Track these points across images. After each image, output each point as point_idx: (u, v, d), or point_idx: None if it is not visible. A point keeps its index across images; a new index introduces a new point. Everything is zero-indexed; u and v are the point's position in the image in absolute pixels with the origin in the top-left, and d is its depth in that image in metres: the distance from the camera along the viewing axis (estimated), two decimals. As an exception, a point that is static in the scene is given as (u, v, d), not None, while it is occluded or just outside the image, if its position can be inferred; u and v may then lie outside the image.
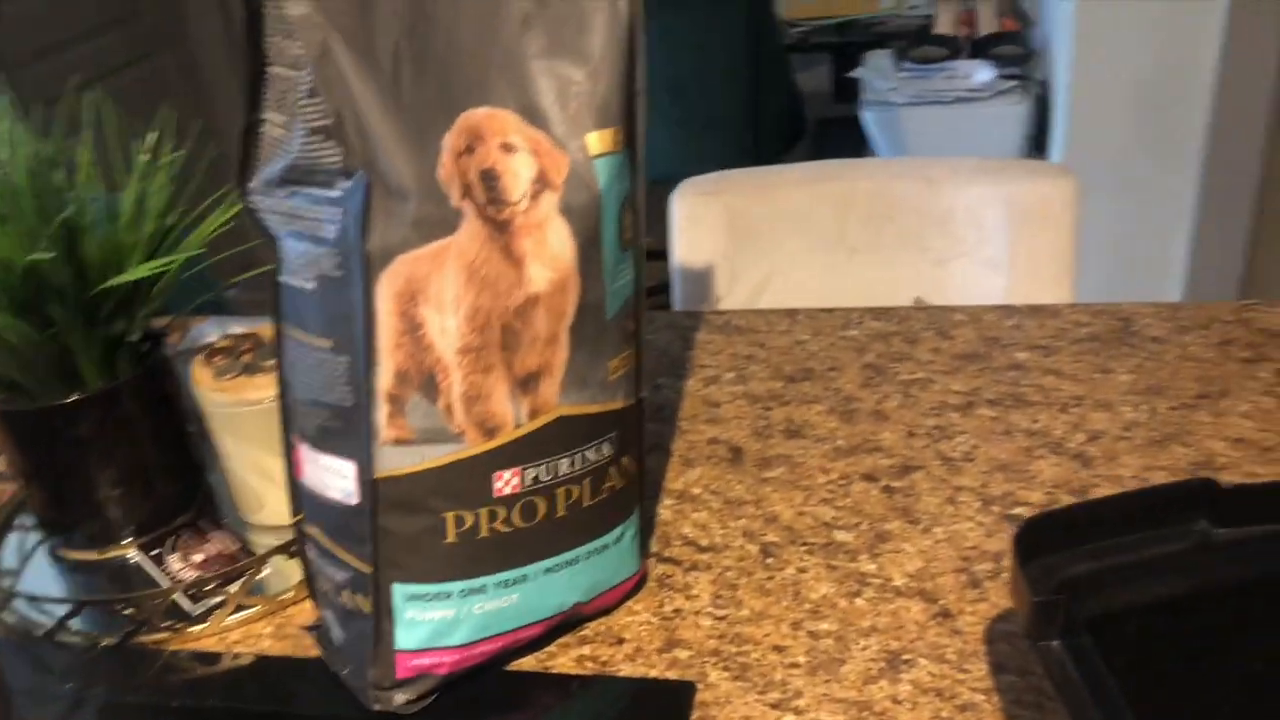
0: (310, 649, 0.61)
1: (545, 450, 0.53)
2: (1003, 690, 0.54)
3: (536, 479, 0.53)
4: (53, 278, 0.63)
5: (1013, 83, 2.23)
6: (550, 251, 0.52)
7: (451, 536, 0.52)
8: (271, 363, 0.68)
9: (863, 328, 0.90)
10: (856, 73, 2.44)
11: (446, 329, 0.50)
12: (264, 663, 0.60)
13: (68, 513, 0.69)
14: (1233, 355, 0.81)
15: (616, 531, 0.59)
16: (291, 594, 0.64)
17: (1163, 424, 0.74)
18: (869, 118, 2.32)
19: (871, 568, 0.63)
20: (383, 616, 0.53)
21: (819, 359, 0.86)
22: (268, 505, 0.69)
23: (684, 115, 2.30)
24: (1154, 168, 1.80)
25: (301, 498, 0.57)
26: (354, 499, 0.52)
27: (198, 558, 0.68)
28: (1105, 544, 0.45)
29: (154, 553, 0.69)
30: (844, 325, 0.91)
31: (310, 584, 0.60)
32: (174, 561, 0.68)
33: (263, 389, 0.65)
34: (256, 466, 0.68)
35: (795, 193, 1.15)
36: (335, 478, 0.53)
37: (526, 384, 0.52)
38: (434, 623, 0.53)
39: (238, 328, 1.00)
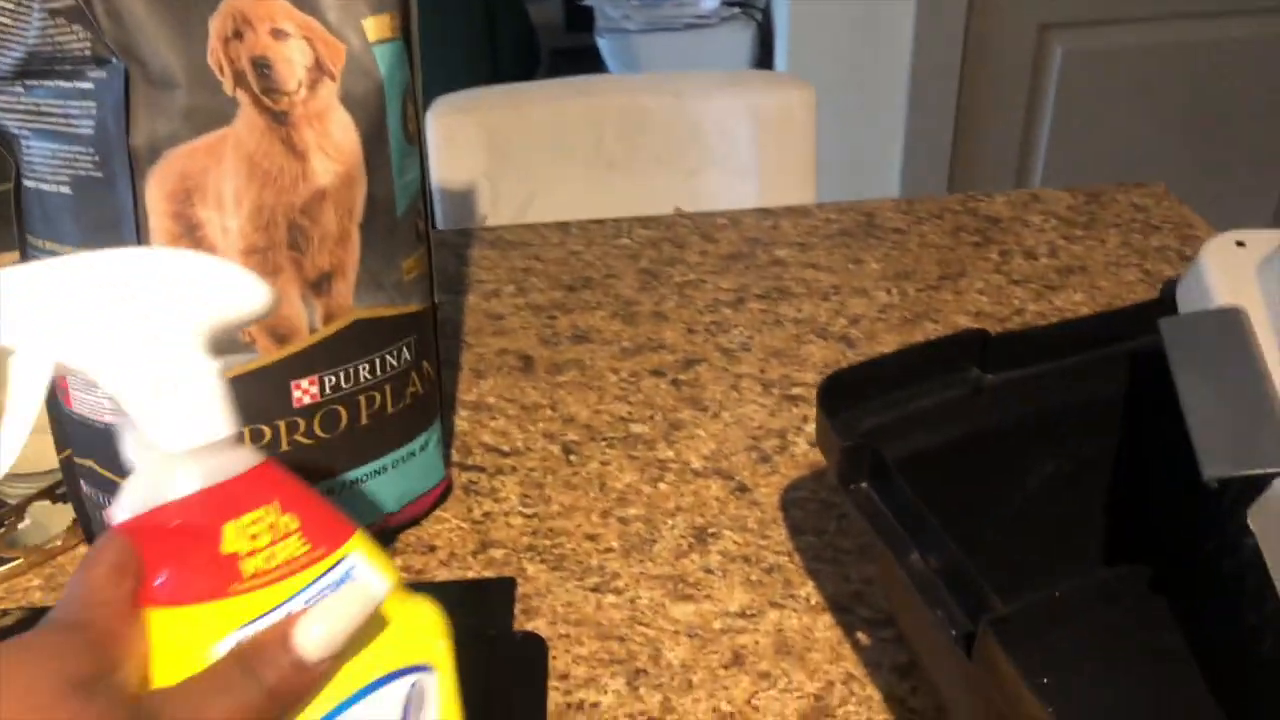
0: (91, 594, 0.56)
1: (343, 356, 0.51)
2: (802, 550, 0.57)
3: (336, 386, 0.51)
4: None
5: (736, 9, 2.31)
6: (334, 143, 0.49)
7: (250, 452, 0.49)
8: None
9: (633, 236, 0.92)
10: (590, 0, 2.45)
11: (228, 229, 0.47)
12: (40, 615, 0.55)
13: None
14: (964, 240, 0.89)
15: (421, 439, 0.57)
16: (59, 542, 0.59)
17: (912, 304, 0.80)
18: (604, 45, 2.33)
19: (669, 454, 0.65)
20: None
21: (595, 268, 0.87)
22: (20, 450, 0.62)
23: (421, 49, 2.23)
24: (866, 81, 1.93)
25: (70, 430, 0.52)
26: (135, 421, 0.48)
27: (-63, 517, 0.60)
28: (896, 395, 0.48)
29: (-120, 517, 0.61)
30: (615, 235, 0.92)
31: (86, 524, 0.55)
32: (-93, 524, 0.60)
33: None
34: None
35: (550, 109, 1.15)
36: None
37: (319, 286, 0.50)
38: (236, 545, 0.50)
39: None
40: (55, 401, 0.52)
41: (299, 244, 0.48)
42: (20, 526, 0.59)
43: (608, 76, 1.18)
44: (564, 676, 0.50)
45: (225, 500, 0.29)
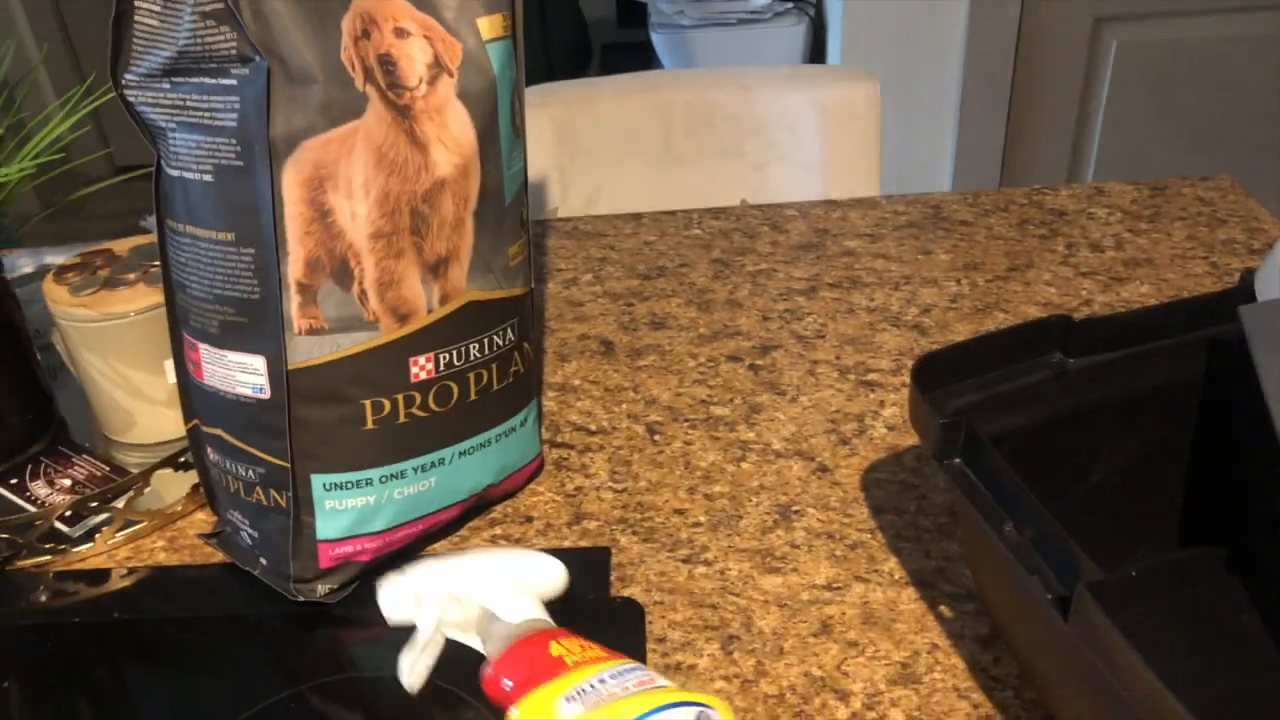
0: (212, 556, 0.60)
1: (457, 335, 0.54)
2: (884, 528, 0.60)
3: (450, 363, 0.54)
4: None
5: (789, 4, 2.32)
6: (452, 135, 0.52)
7: (370, 424, 0.53)
8: (133, 276, 0.65)
9: (704, 226, 0.95)
10: (643, -4, 2.47)
11: (357, 214, 0.50)
12: (163, 573, 0.59)
13: (-95, 450, 0.64)
14: (1030, 233, 0.91)
15: (522, 414, 0.60)
16: (179, 507, 0.63)
17: (982, 295, 0.82)
18: (658, 41, 2.36)
19: (751, 435, 0.68)
20: (301, 509, 0.53)
21: (669, 257, 0.90)
22: (139, 423, 0.66)
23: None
24: (920, 76, 1.94)
25: (199, 401, 0.56)
26: (266, 393, 0.52)
27: (65, 483, 0.65)
28: (983, 377, 0.51)
29: (12, 482, 0.65)
30: (686, 225, 0.95)
31: (209, 491, 0.59)
32: (39, 488, 0.64)
33: (129, 302, 0.62)
34: (127, 384, 0.65)
35: (618, 104, 1.17)
36: (244, 374, 0.52)
37: (436, 269, 0.53)
38: (355, 510, 0.54)
39: (54, 257, 0.93)
40: (185, 373, 0.56)
41: (420, 230, 0.51)
42: (145, 493, 0.63)
43: (675, 71, 1.21)
44: (661, 640, 0.53)
45: (545, 636, 0.48)
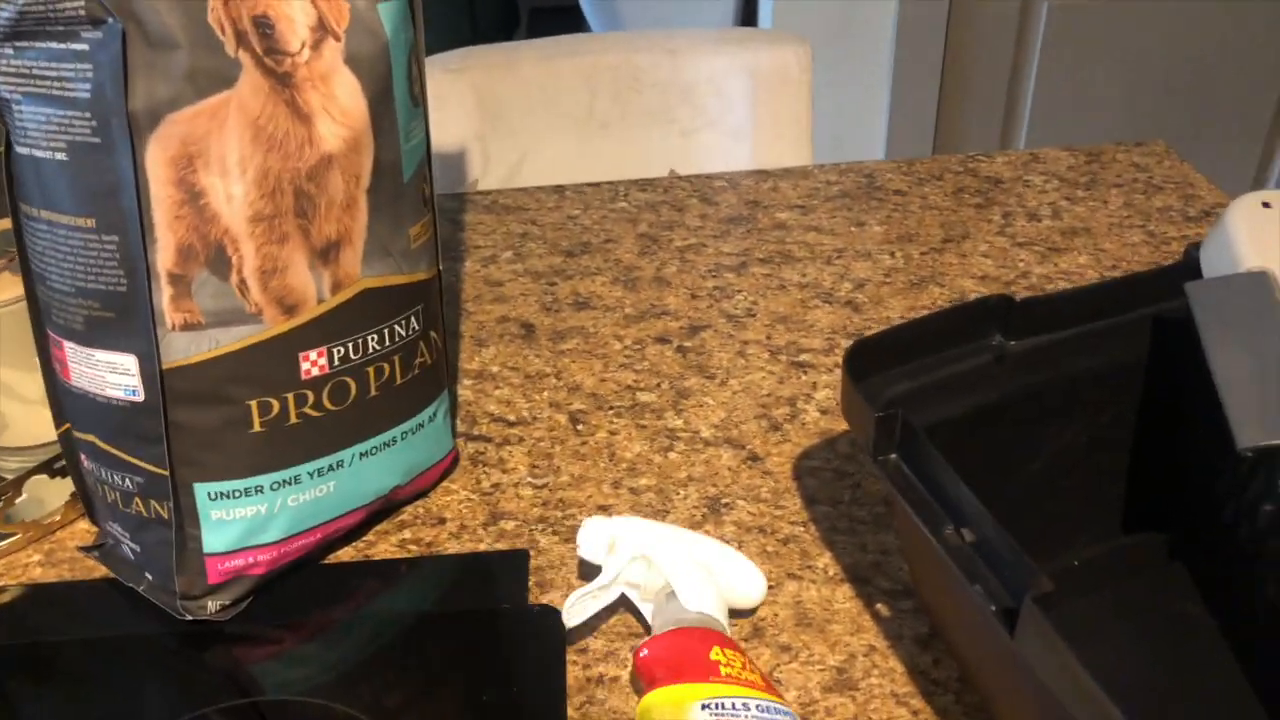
0: (94, 570, 0.54)
1: (352, 326, 0.50)
2: (818, 520, 0.57)
3: (345, 357, 0.50)
4: None
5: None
6: (340, 106, 0.47)
7: (257, 426, 0.48)
8: (5, 261, 0.59)
9: (630, 199, 0.91)
10: (570, -43, 2.40)
11: (233, 196, 0.45)
12: (40, 591, 0.54)
13: None
14: (966, 202, 0.88)
15: (430, 409, 0.56)
16: (58, 517, 0.57)
17: (917, 268, 0.79)
18: (586, 4, 2.29)
19: (679, 423, 0.64)
20: (185, 520, 0.48)
21: (594, 232, 0.86)
22: (12, 425, 0.61)
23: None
24: (852, 39, 1.91)
25: (69, 404, 0.50)
26: (139, 395, 0.47)
27: (-71, 493, 0.59)
28: (920, 362, 0.47)
29: None
30: (612, 198, 0.91)
31: (86, 500, 0.54)
32: (-102, 501, 0.59)
33: (-7, 292, 0.57)
34: (-6, 382, 0.59)
35: (541, 69, 1.12)
36: (114, 374, 0.47)
37: (326, 254, 0.48)
38: (244, 521, 0.49)
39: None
40: (52, 373, 0.51)
41: (305, 211, 0.47)
42: (18, 501, 0.58)
43: (600, 35, 1.16)
44: (583, 650, 0.50)
45: (713, 637, 0.45)
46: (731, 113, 1.13)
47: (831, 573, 0.53)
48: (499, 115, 1.12)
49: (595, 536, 0.51)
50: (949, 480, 0.40)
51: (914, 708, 0.46)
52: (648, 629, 0.49)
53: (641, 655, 0.45)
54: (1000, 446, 0.49)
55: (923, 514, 0.40)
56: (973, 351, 0.49)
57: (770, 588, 0.52)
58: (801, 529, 0.56)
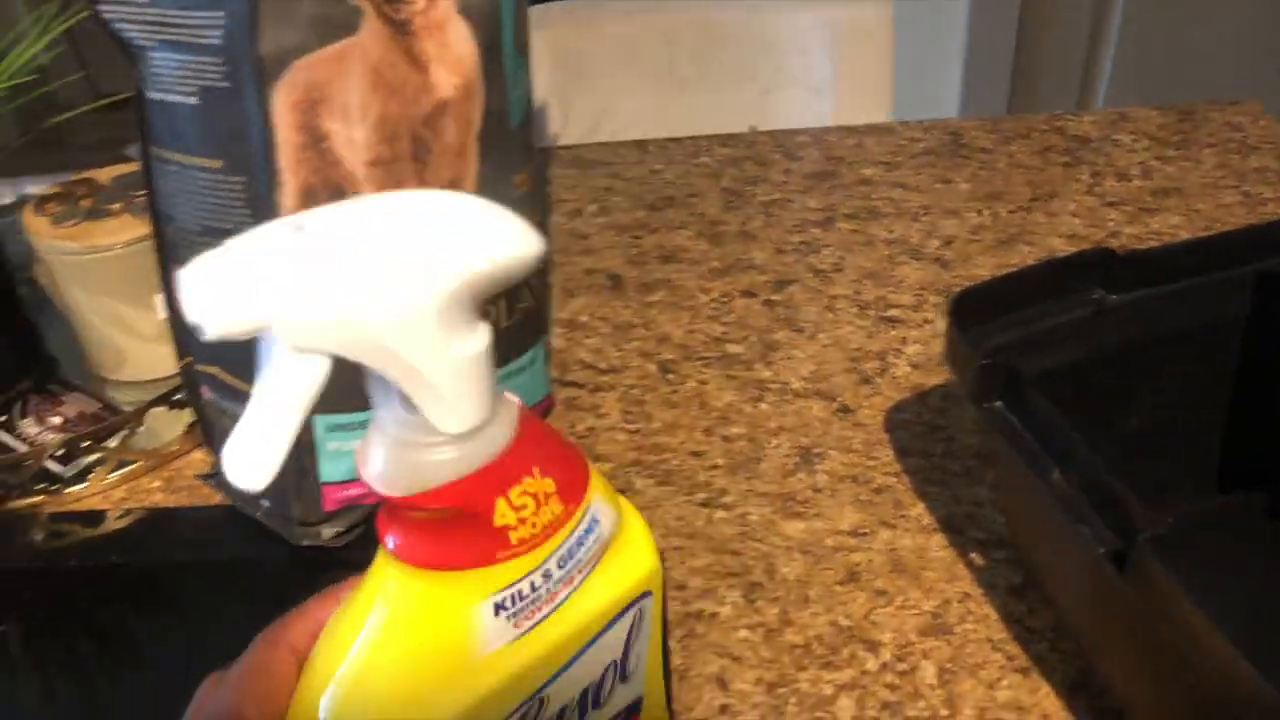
0: (210, 497, 0.57)
1: (462, 270, 0.51)
2: (910, 472, 0.58)
3: (455, 300, 0.51)
4: None
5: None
6: (454, 54, 0.48)
7: (372, 365, 0.50)
8: (118, 206, 0.61)
9: (713, 154, 0.91)
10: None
11: (354, 140, 0.46)
12: (161, 515, 0.56)
13: (-116, 390, 0.61)
14: (1053, 161, 0.87)
15: (530, 354, 0.57)
16: (175, 447, 0.60)
17: (1005, 226, 0.79)
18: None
19: (768, 374, 0.65)
20: (303, 451, 0.51)
21: (677, 186, 0.86)
22: (130, 360, 0.64)
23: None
24: None
25: (192, 338, 0.53)
26: (262, 333, 0.49)
27: (56, 420, 0.62)
28: (1021, 313, 0.48)
29: (1, 419, 0.62)
30: (694, 153, 0.91)
31: (206, 431, 0.56)
32: (28, 427, 0.62)
33: (114, 234, 0.59)
34: (116, 319, 0.62)
35: (622, 25, 1.13)
36: (238, 312, 0.49)
37: (441, 200, 0.49)
38: (359, 456, 0.51)
39: (34, 187, 0.90)
40: (177, 310, 0.53)
41: (421, 156, 0.48)
42: (139, 431, 0.60)
43: (680, -9, 1.16)
44: (681, 587, 0.51)
45: (499, 476, 0.28)
46: (812, 70, 1.12)
47: (925, 522, 0.54)
48: (579, 72, 1.13)
49: (219, 289, 0.24)
50: (1056, 425, 0.40)
51: (1009, 653, 0.47)
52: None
53: (390, 545, 0.28)
54: (1098, 401, 0.49)
55: (1028, 458, 0.40)
56: (1073, 304, 0.49)
57: (863, 534, 0.53)
58: (894, 480, 0.57)
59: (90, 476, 0.59)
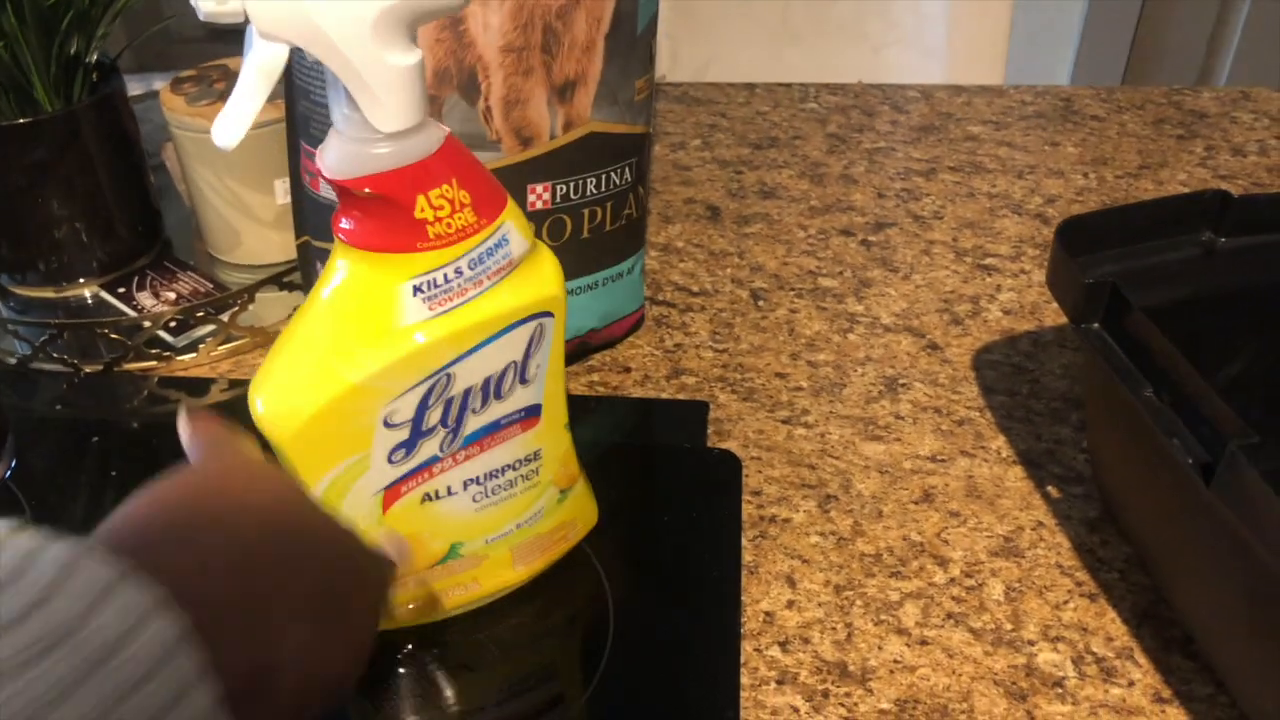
0: (317, 374, 0.60)
1: (576, 166, 0.53)
2: (993, 408, 0.58)
3: (566, 195, 0.53)
4: (9, -23, 0.57)
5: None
6: (588, -46, 0.50)
7: (482, 249, 0.52)
8: (250, 89, 0.64)
9: (821, 100, 0.91)
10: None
11: (490, 24, 0.48)
12: (269, 387, 0.59)
13: (21, 248, 0.65)
14: (1166, 133, 0.86)
15: (629, 261, 0.59)
16: (282, 326, 0.63)
17: (1111, 190, 0.78)
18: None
19: (859, 308, 0.66)
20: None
21: (782, 129, 0.87)
22: (245, 242, 0.67)
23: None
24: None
25: (312, 214, 0.55)
26: (382, 208, 0.51)
27: (170, 295, 0.65)
28: (1130, 248, 0.48)
29: (120, 291, 0.66)
30: (802, 99, 0.92)
31: (318, 307, 0.59)
32: (144, 299, 0.65)
33: (246, 114, 0.62)
34: (236, 201, 0.65)
35: (737, -26, 1.13)
36: (362, 186, 0.51)
37: (563, 93, 0.51)
38: (461, 337, 0.53)
39: (161, 82, 0.93)
40: (300, 186, 0.55)
41: (550, 48, 0.50)
42: (250, 309, 0.63)
43: (800, -57, 1.16)
44: (757, 493, 0.52)
45: (420, 176, 0.35)
46: (926, 30, 1.11)
47: (1004, 455, 0.55)
48: (690, 17, 1.13)
49: None
50: (1154, 347, 0.40)
51: (1078, 579, 0.48)
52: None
53: (341, 229, 0.36)
54: (1199, 343, 0.49)
55: (1123, 375, 0.41)
56: (1183, 244, 0.49)
57: (941, 460, 0.54)
58: (977, 414, 0.57)
59: (200, 347, 0.62)
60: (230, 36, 0.57)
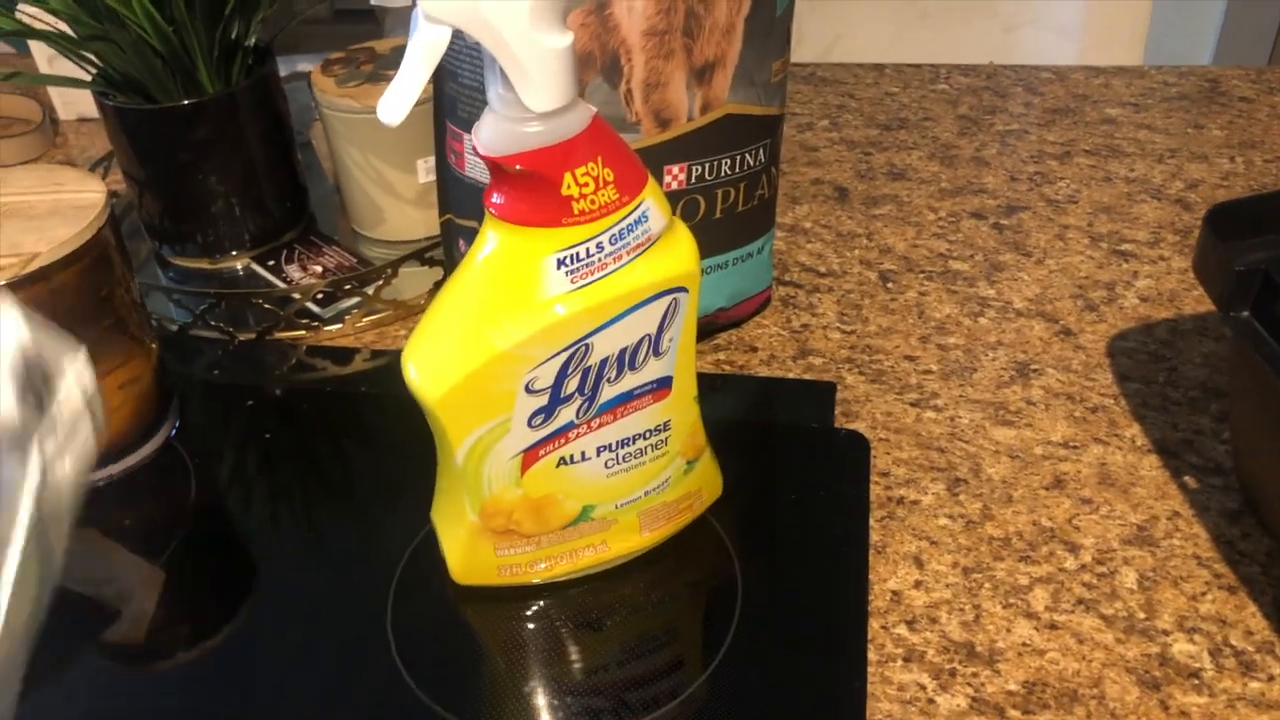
0: (456, 346, 0.62)
1: (711, 148, 0.54)
2: (1129, 396, 0.57)
3: (701, 176, 0.54)
4: (180, -35, 0.61)
5: None
6: (730, -63, 0.51)
7: (619, 228, 0.53)
8: (394, 72, 0.66)
9: (952, 82, 0.90)
10: None
11: (634, 8, 0.49)
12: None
13: (182, 221, 0.69)
14: (1321, 117, 0.82)
15: (759, 242, 0.60)
16: (422, 301, 0.66)
17: (1260, 175, 0.75)
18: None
19: (991, 293, 0.65)
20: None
21: (911, 110, 0.86)
22: (388, 219, 0.69)
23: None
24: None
25: (456, 193, 0.57)
26: (524, 187, 0.53)
27: (317, 268, 0.68)
28: (1278, 236, 0.46)
29: (269, 264, 0.70)
30: (933, 79, 0.91)
31: (458, 282, 0.61)
32: (293, 271, 0.69)
33: (392, 95, 0.65)
34: (381, 179, 0.67)
35: (867, -47, 1.12)
36: (505, 165, 0.53)
37: (702, 75, 0.52)
38: (596, 313, 0.55)
39: (307, 64, 0.97)
40: (445, 165, 0.58)
41: (691, 31, 0.51)
42: (393, 282, 0.66)
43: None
44: (885, 474, 0.53)
45: (568, 154, 0.37)
46: (1060, 9, 1.09)
47: (1139, 443, 0.54)
48: (818, -4, 1.13)
49: None
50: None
51: (1216, 571, 0.47)
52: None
53: (491, 204, 0.38)
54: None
55: (1273, 364, 0.40)
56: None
57: (1074, 447, 0.54)
58: (1111, 401, 0.57)
59: (346, 319, 0.65)
60: (352, 18, 0.59)
